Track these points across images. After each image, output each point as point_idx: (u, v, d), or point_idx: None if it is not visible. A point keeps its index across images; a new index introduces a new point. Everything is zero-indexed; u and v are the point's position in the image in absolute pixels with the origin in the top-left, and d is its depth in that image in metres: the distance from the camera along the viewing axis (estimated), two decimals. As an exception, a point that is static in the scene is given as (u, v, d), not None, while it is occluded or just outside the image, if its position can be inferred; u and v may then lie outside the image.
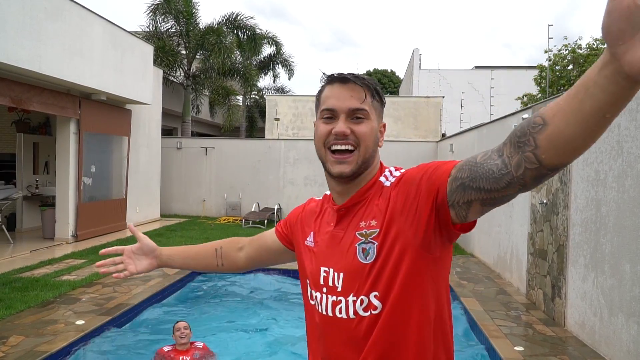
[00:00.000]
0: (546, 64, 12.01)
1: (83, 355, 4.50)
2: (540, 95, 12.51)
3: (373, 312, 1.22)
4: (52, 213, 9.63)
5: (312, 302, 1.35)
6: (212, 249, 1.67)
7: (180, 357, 4.37)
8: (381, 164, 1.36)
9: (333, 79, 1.28)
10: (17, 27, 7.06)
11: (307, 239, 1.41)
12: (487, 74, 22.31)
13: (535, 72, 13.66)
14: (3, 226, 9.17)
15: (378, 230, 1.22)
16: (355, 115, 1.25)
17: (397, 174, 1.28)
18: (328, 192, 1.44)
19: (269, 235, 1.63)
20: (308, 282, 1.37)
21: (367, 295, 1.22)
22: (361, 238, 1.24)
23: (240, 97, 23.96)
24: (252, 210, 13.96)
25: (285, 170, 14.78)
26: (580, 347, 4.51)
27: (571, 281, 4.98)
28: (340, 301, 1.26)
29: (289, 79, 26.35)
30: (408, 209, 1.18)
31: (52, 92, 8.69)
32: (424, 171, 1.18)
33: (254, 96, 25.42)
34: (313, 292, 1.34)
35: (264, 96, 23.70)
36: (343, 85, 1.26)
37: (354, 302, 1.24)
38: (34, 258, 7.91)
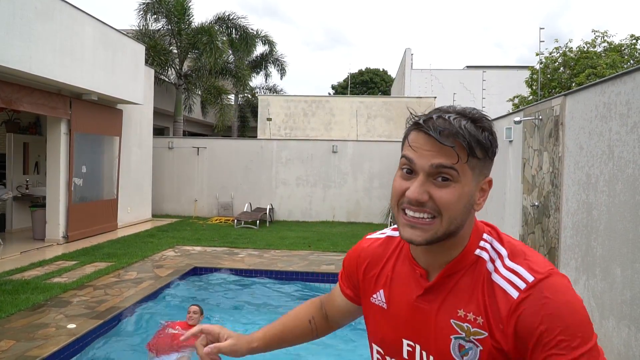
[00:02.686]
0: (537, 66, 12.08)
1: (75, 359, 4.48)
2: (531, 97, 12.59)
3: None
4: (43, 214, 9.56)
5: None
6: (306, 324, 1.40)
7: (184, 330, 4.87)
8: (476, 223, 1.07)
9: (418, 126, 1.00)
10: (6, 27, 6.99)
11: (374, 295, 1.18)
12: (479, 73, 22.44)
13: (527, 72, 13.73)
14: (-7, 227, 9.09)
15: (486, 334, 0.98)
16: (440, 174, 0.97)
17: (524, 280, 0.97)
18: (392, 233, 1.24)
19: (338, 296, 1.36)
20: (380, 349, 1.16)
21: None
22: (459, 331, 1.01)
23: (232, 97, 23.91)
24: (245, 210, 13.93)
25: (278, 170, 14.77)
26: (571, 350, 4.54)
27: (562, 284, 5.01)
28: None
29: (281, 79, 26.39)
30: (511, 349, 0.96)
31: (43, 93, 8.61)
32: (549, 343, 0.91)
33: (246, 95, 25.39)
34: (389, 358, 1.15)
35: (257, 95, 23.67)
36: (429, 137, 0.97)
37: None
38: (24, 260, 7.85)
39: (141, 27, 17.02)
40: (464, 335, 0.99)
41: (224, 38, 18.50)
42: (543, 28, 12.17)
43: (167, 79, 18.55)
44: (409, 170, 1.00)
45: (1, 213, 10.44)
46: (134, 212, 12.58)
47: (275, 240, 10.43)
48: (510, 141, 6.82)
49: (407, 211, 0.99)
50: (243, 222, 12.73)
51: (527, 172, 6.12)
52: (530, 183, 5.97)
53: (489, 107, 19.87)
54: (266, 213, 13.51)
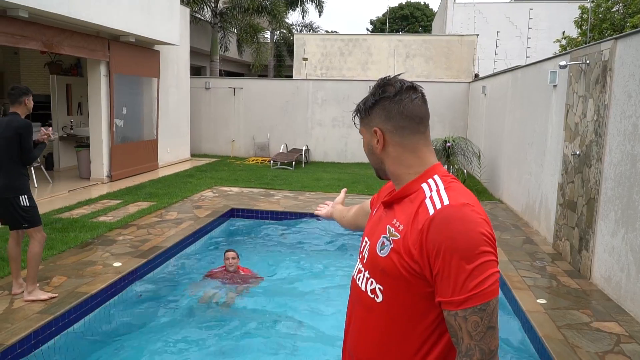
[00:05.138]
0: (589, 4, 11.29)
1: (121, 296, 4.78)
2: (580, 38, 11.85)
3: (376, 299, 1.39)
4: (87, 154, 9.91)
5: (358, 259, 1.56)
6: (364, 210, 2.00)
7: (228, 276, 5.41)
8: (431, 168, 1.41)
9: None
10: (43, -32, 6.99)
11: (374, 210, 1.63)
12: (527, 7, 21.15)
13: (578, 5, 12.82)
14: (42, 166, 9.50)
15: (399, 237, 1.34)
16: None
17: (438, 204, 1.29)
18: None
19: (367, 207, 1.93)
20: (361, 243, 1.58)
21: (375, 282, 1.40)
22: (387, 233, 1.38)
23: (268, 34, 23.51)
24: (281, 151, 14.05)
25: (314, 111, 14.69)
26: (604, 302, 4.54)
27: (600, 235, 4.94)
28: (361, 270, 1.48)
29: (319, 16, 25.65)
30: (417, 259, 1.28)
31: (82, 35, 8.70)
32: (443, 267, 1.23)
33: (282, 32, 24.92)
34: (359, 253, 1.55)
35: (292, 31, 23.21)
36: None
37: (367, 279, 1.43)
38: (71, 198, 8.23)
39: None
40: (388, 235, 1.37)
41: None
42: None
43: (202, 18, 18.33)
44: None
45: (49, 152, 10.86)
46: (173, 152, 12.88)
47: (310, 182, 10.55)
48: (555, 86, 6.54)
49: None
50: (279, 163, 12.88)
51: (570, 119, 5.90)
52: (573, 131, 5.76)
53: (536, 44, 18.88)
54: (302, 154, 13.59)
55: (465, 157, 9.98)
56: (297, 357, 4.05)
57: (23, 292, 4.22)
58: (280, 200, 8.70)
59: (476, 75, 15.96)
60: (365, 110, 1.44)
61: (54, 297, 4.23)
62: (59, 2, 7.33)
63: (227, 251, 5.59)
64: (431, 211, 1.27)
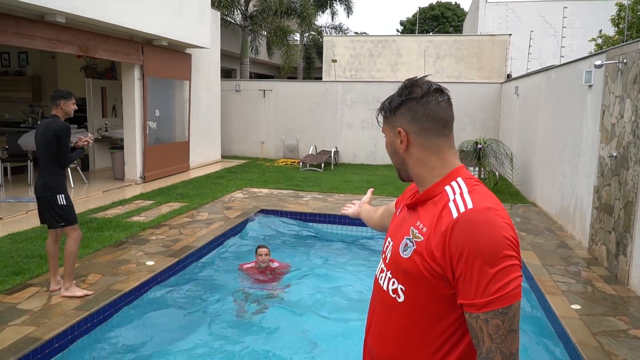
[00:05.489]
0: (626, 2, 10.96)
1: (154, 294, 4.88)
2: (617, 36, 11.50)
3: (397, 299, 1.41)
4: (121, 155, 10.15)
5: (380, 258, 1.58)
6: (390, 211, 2.02)
7: (259, 275, 5.57)
8: (455, 170, 1.42)
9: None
10: (81, -25, 7.20)
11: (398, 210, 1.64)
12: (561, 5, 20.64)
13: (614, 3, 12.45)
14: (78, 167, 9.78)
15: (422, 239, 1.35)
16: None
17: (462, 207, 1.29)
18: None
19: (392, 207, 1.95)
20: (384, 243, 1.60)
21: (397, 283, 1.42)
22: (410, 234, 1.40)
23: (298, 36, 23.64)
24: (310, 153, 14.09)
25: (343, 112, 14.69)
26: (641, 307, 4.41)
27: (638, 240, 4.79)
28: (383, 270, 1.51)
29: (348, 17, 25.67)
30: (439, 260, 1.29)
31: (117, 39, 8.92)
32: (465, 269, 1.23)
33: (311, 34, 25.01)
34: (382, 253, 1.57)
35: (322, 33, 23.27)
36: None
37: (389, 279, 1.45)
38: (106, 198, 8.44)
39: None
40: (411, 237, 1.38)
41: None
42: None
43: (232, 21, 18.55)
44: None
45: (84, 154, 11.16)
46: (204, 154, 13.07)
47: (339, 184, 10.55)
48: (590, 86, 6.38)
49: None
50: (308, 165, 12.92)
51: (606, 120, 5.74)
52: (609, 132, 5.61)
53: (571, 43, 18.45)
54: (331, 156, 13.60)
55: (497, 159, 9.82)
56: (322, 356, 4.06)
57: (60, 288, 4.35)
58: (309, 201, 8.72)
59: (509, 76, 15.69)
60: (391, 110, 1.44)
61: (89, 294, 4.35)
62: (94, 7, 7.54)
63: (259, 247, 5.65)
64: (455, 214, 1.28)
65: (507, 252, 1.21)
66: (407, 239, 1.40)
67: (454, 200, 1.32)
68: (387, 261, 1.49)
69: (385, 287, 1.46)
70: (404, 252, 1.38)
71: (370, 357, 1.53)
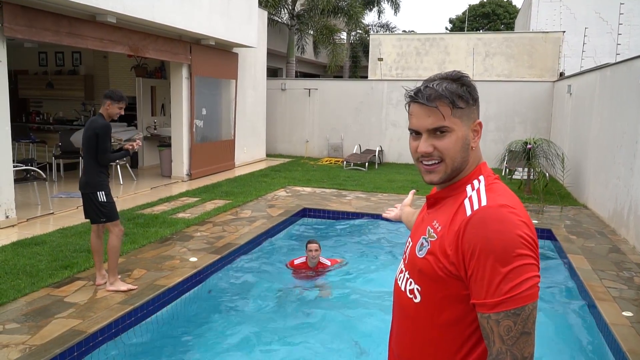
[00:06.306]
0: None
1: (197, 290, 4.95)
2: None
3: (414, 299, 1.38)
4: (169, 153, 10.39)
5: (401, 259, 1.56)
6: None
7: (309, 271, 5.56)
8: (481, 166, 1.40)
9: (412, 98, 1.36)
10: (132, -23, 7.40)
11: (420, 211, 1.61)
12: (617, 2, 19.68)
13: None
14: (127, 164, 10.08)
15: (436, 237, 1.33)
16: (437, 129, 1.32)
17: (476, 205, 1.26)
18: None
19: None
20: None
21: (414, 283, 1.39)
22: (426, 234, 1.39)
23: (344, 35, 23.58)
24: (354, 152, 14.01)
25: (388, 112, 14.53)
26: None
27: (701, 248, 4.48)
28: (402, 271, 1.48)
29: (395, 14, 25.37)
30: (452, 258, 1.26)
31: (166, 39, 9.13)
32: (477, 268, 1.20)
33: (358, 33, 24.90)
34: (403, 253, 1.54)
35: (369, 31, 23.12)
36: (421, 105, 1.33)
37: (407, 279, 1.43)
38: (153, 195, 8.66)
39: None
40: (426, 236, 1.37)
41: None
42: None
43: (279, 20, 18.68)
44: (416, 132, 1.36)
45: (134, 151, 11.49)
46: (249, 152, 13.22)
47: (383, 183, 10.44)
48: (650, 84, 6.03)
49: (422, 161, 1.36)
50: (352, 164, 12.85)
51: (668, 120, 5.41)
52: (672, 133, 5.28)
53: (628, 41, 17.58)
54: (375, 155, 13.48)
55: (547, 160, 9.45)
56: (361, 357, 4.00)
57: (105, 282, 4.48)
58: (352, 201, 8.66)
59: (561, 74, 15.09)
60: (474, 100, 1.35)
61: (133, 289, 4.45)
62: (144, 7, 7.73)
63: (309, 242, 5.60)
64: (468, 212, 1.26)
65: (520, 251, 1.16)
66: (423, 238, 1.38)
67: (470, 198, 1.29)
68: (405, 261, 1.47)
69: (403, 288, 1.44)
70: (420, 252, 1.37)
71: (394, 358, 1.52)
